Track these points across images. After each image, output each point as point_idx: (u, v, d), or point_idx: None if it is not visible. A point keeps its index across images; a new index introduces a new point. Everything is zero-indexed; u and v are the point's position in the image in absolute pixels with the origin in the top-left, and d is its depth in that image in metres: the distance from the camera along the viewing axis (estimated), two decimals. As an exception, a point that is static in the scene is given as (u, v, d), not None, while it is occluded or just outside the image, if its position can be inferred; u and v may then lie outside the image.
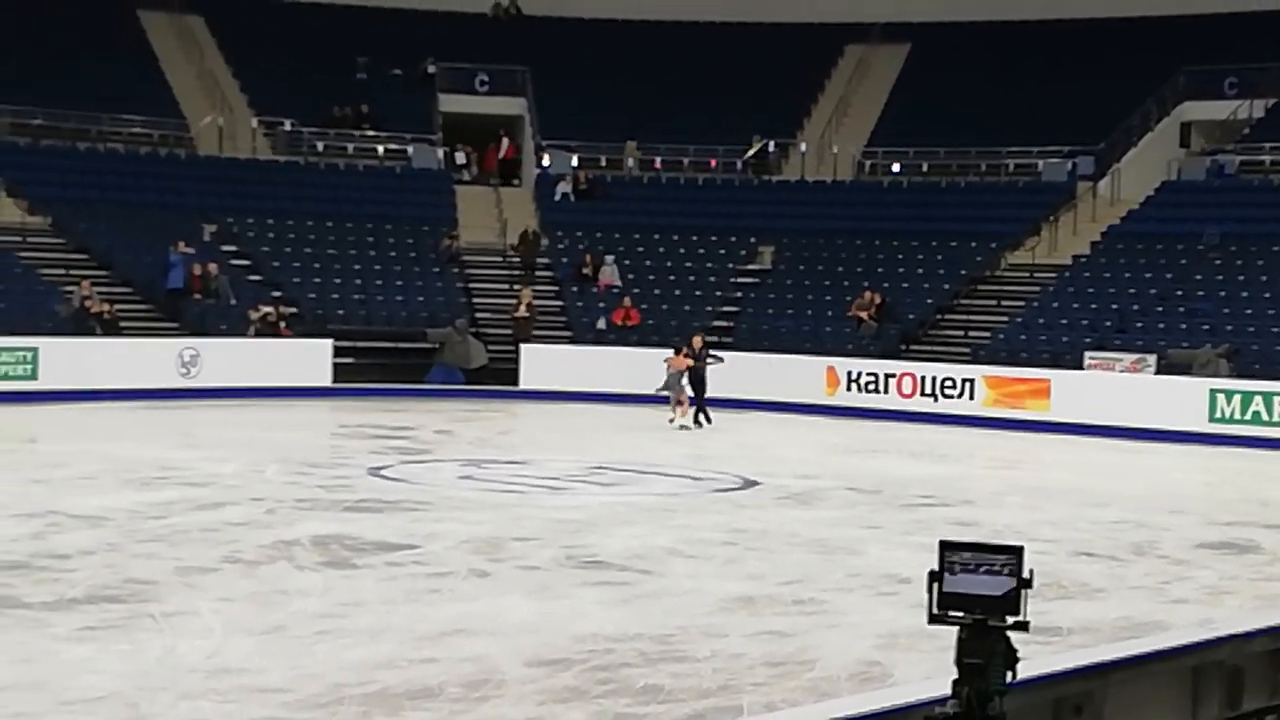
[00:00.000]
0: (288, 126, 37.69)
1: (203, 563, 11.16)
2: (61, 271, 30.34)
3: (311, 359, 29.45)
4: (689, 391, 25.07)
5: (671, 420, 24.69)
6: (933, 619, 4.86)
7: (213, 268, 30.73)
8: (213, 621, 9.16)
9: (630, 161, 38.51)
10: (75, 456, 18.27)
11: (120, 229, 32.29)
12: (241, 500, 14.61)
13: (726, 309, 33.21)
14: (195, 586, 10.26)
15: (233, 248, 33.12)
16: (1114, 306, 30.00)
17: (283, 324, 29.90)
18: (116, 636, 8.70)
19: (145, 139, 36.18)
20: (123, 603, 9.63)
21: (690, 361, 25.12)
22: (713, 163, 38.63)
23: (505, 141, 39.07)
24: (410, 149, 38.14)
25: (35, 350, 26.19)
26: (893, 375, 28.02)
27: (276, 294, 31.26)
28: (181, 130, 36.81)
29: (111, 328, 28.23)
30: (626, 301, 32.17)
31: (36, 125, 34.99)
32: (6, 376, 25.79)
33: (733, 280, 34.20)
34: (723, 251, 35.10)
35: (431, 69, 40.45)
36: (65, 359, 26.49)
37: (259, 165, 36.73)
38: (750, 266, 34.82)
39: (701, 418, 24.84)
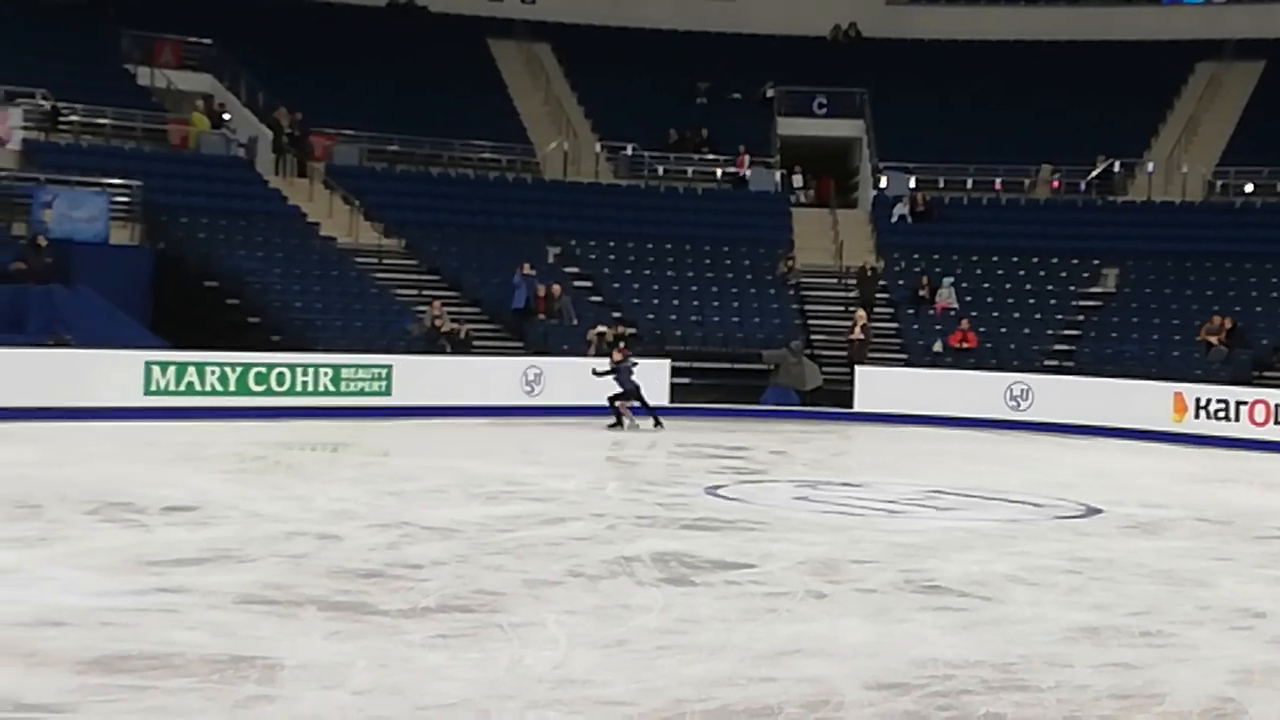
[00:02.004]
0: (629, 151, 38.43)
1: (548, 576, 11.42)
2: (414, 292, 31.55)
3: (649, 379, 29.87)
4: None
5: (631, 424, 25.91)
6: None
7: (556, 289, 31.51)
8: (558, 633, 9.37)
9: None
10: (426, 470, 18.94)
11: (469, 251, 33.41)
12: (583, 516, 14.92)
13: (1068, 332, 32.53)
14: (541, 599, 10.51)
15: (575, 269, 33.92)
16: None
17: (622, 344, 30.42)
18: (467, 645, 8.97)
19: (494, 164, 37.42)
20: (473, 612, 9.93)
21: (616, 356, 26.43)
22: (1055, 183, 37.88)
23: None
24: (748, 172, 38.42)
25: (389, 367, 27.26)
26: (1244, 402, 26.97)
27: (616, 314, 31.86)
28: (528, 155, 37.94)
29: (460, 346, 29.18)
30: (964, 324, 31.77)
31: (392, 152, 36.54)
32: (363, 392, 26.92)
33: (1074, 303, 33.45)
34: (1064, 274, 34.38)
35: (770, 92, 40.72)
36: (417, 376, 27.51)
37: (601, 189, 37.54)
38: (1094, 289, 34.03)
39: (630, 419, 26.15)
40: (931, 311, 33.21)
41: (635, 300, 33.25)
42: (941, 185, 38.28)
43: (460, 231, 34.14)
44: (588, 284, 33.68)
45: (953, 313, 32.77)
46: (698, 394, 30.37)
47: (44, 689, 7.49)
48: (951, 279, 33.92)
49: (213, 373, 25.58)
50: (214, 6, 38.43)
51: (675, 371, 30.23)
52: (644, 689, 8.07)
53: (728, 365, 31.85)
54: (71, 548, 11.98)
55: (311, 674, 8.06)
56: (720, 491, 17.52)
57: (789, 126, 40.13)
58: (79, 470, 17.61)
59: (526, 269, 31.47)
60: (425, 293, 31.48)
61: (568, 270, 33.75)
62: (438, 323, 29.29)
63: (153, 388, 24.84)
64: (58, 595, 9.96)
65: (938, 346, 31.72)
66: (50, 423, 22.83)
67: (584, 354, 30.00)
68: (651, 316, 32.68)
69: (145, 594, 10.09)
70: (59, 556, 11.54)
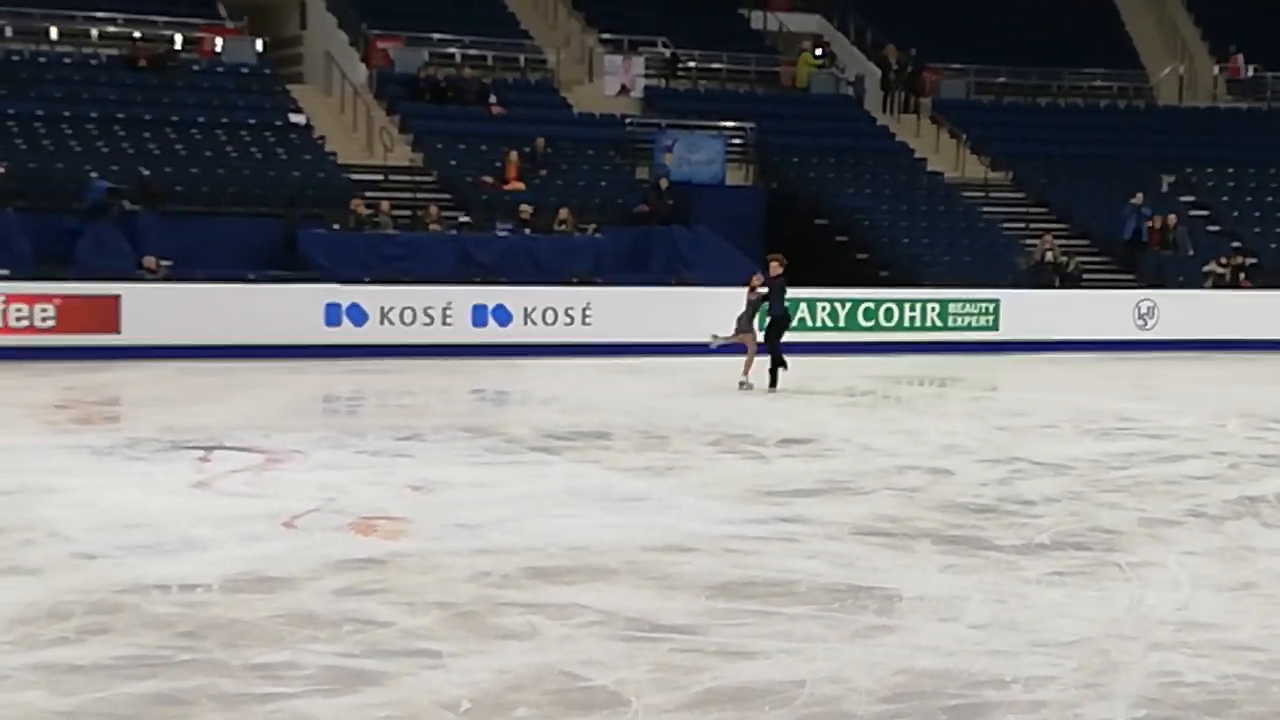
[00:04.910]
0: (1250, 72, 36.59)
1: (1166, 515, 11.14)
2: (1022, 225, 31.19)
3: (1273, 311, 28.51)
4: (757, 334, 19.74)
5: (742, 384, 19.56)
6: None
7: (1171, 219, 30.46)
8: (1180, 574, 9.14)
9: None
10: (1036, 405, 18.77)
11: (1079, 182, 32.72)
12: (1203, 454, 14.43)
13: None
14: (1159, 538, 10.27)
15: (1190, 198, 32.68)
16: None
17: (1242, 275, 29.12)
18: (1084, 583, 8.87)
19: (1104, 92, 36.43)
20: (1089, 550, 9.80)
21: (762, 289, 19.67)
22: None
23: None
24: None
25: (997, 302, 27.08)
26: None
27: (1235, 244, 30.52)
28: (1141, 81, 36.72)
29: (1070, 280, 28.66)
30: None
31: (1000, 84, 36.13)
32: (970, 327, 26.87)
33: None
34: None
35: None
36: (1025, 310, 27.21)
37: (1219, 113, 35.96)
38: None
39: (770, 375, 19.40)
40: None
41: (1256, 229, 31.69)
42: None
43: (1069, 163, 33.45)
44: (1204, 213, 32.35)
45: None
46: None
47: (676, 611, 7.93)
48: None
49: (823, 309, 26.14)
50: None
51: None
52: (1274, 634, 7.78)
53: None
54: (696, 477, 12.60)
55: (928, 606, 8.18)
56: (1355, 431, 16.56)
57: None
58: (700, 403, 18.43)
59: (1138, 199, 30.53)
60: (1033, 226, 31.05)
61: (1183, 200, 32.52)
62: (1047, 256, 28.86)
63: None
64: (686, 522, 10.50)
65: None
66: (672, 357, 23.97)
67: (1200, 286, 28.87)
68: (1275, 246, 31.08)
69: (766, 523, 10.50)
70: (685, 485, 12.15)
